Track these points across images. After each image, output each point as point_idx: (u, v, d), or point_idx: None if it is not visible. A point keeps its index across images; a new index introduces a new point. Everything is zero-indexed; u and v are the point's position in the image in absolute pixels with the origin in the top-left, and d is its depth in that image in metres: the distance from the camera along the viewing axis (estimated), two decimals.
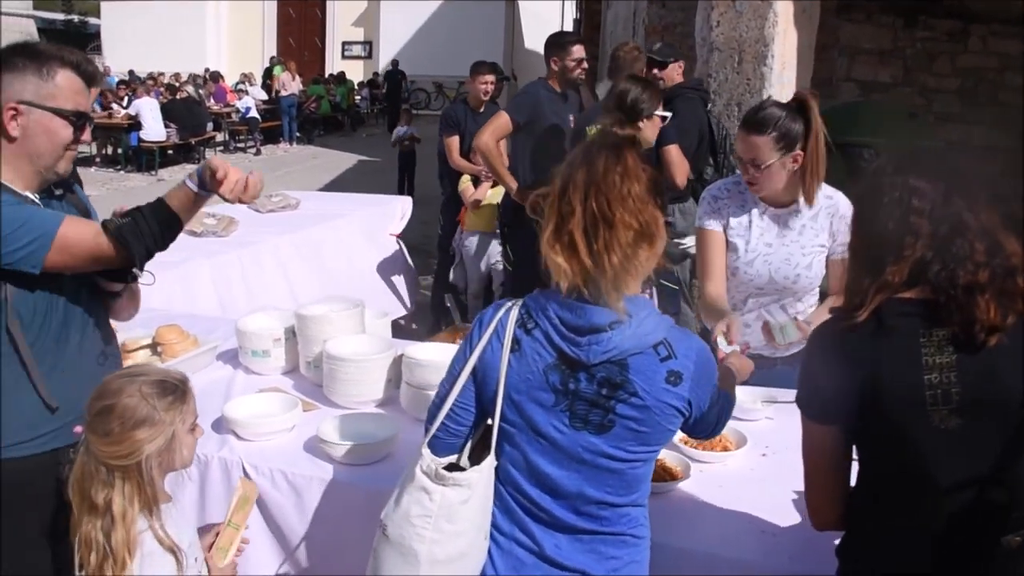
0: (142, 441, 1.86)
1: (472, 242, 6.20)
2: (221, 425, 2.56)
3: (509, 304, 1.82)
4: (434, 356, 2.66)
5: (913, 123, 6.89)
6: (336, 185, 13.96)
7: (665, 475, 2.24)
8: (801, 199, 2.89)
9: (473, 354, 1.81)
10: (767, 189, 2.87)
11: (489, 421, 1.85)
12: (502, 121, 4.96)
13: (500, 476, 1.83)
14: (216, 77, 21.61)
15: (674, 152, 4.50)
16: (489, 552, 1.83)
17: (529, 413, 1.77)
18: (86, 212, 2.32)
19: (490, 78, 6.70)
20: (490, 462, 1.81)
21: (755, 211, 2.95)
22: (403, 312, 6.37)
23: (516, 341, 1.77)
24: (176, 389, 1.95)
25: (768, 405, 2.70)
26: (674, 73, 5.31)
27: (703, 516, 2.11)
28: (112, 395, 1.89)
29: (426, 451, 1.83)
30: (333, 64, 28.82)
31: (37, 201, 2.15)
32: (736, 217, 2.96)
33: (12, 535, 2.07)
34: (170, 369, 2.12)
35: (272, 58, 23.14)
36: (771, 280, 2.94)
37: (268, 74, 22.96)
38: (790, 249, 2.92)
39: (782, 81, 5.23)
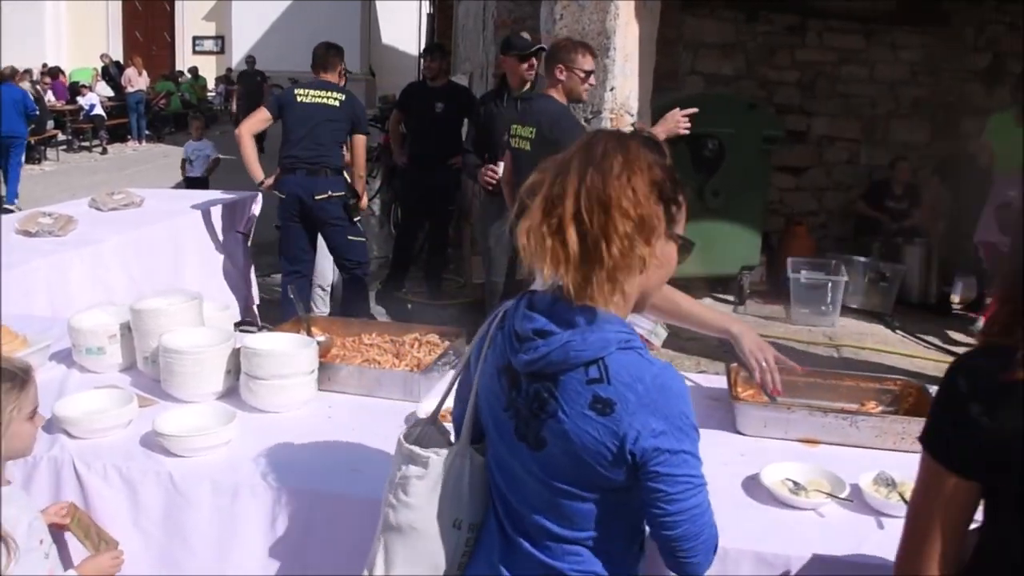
0: None
1: None
2: (52, 425, 2.48)
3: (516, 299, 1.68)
4: (273, 345, 2.65)
5: (753, 113, 7.20)
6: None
7: None
8: None
9: (471, 346, 1.76)
10: None
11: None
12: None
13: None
14: (55, 73, 20.60)
15: None
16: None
17: (489, 414, 1.66)
18: None
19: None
20: (452, 450, 1.71)
21: None
22: (249, 307, 6.30)
23: (492, 339, 1.66)
24: (15, 377, 1.94)
25: None
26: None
27: None
28: None
29: (414, 430, 1.81)
30: (184, 59, 27.91)
31: None
32: None
33: None
34: (14, 357, 2.09)
35: (103, 55, 22.14)
36: None
37: (118, 68, 22.04)
38: None
39: (625, 73, 5.40)
